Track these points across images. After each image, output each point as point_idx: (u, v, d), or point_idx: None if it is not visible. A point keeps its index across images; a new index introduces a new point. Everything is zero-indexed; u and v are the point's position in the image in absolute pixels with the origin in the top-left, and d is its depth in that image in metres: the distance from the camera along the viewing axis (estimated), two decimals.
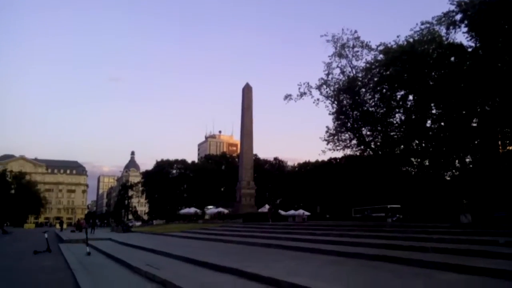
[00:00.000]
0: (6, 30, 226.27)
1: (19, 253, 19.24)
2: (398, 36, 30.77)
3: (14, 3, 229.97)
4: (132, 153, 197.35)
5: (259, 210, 49.74)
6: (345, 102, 34.31)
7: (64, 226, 63.33)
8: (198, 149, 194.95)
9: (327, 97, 34.74)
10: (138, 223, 78.48)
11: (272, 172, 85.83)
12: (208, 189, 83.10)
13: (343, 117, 34.80)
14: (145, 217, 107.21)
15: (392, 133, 35.19)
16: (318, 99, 34.86)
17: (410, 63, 28.48)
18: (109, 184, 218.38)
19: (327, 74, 34.13)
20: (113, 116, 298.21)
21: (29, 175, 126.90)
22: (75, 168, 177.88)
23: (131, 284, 9.28)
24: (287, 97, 34.83)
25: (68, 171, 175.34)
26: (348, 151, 36.14)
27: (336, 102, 34.45)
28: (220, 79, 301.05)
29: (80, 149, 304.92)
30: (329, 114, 35.34)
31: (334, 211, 58.25)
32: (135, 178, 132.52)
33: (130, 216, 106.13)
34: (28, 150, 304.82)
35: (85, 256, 16.40)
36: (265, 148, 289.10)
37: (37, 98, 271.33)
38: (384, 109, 32.69)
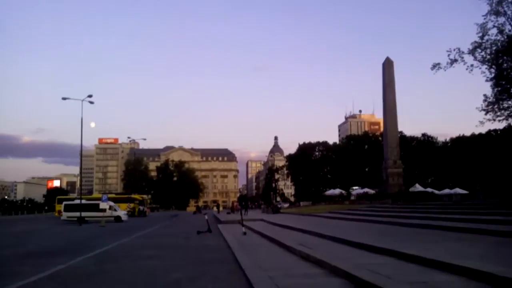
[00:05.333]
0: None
1: (185, 233, 21.45)
2: None
3: None
4: (276, 138, 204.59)
5: (409, 190, 47.12)
6: (505, 65, 30.37)
7: (220, 208, 69.09)
8: (339, 130, 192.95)
9: (482, 62, 31.09)
10: (286, 205, 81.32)
11: (420, 149, 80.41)
12: (351, 169, 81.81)
13: (504, 82, 30.86)
14: (292, 199, 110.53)
15: None
16: (472, 65, 31.38)
17: None
18: (256, 169, 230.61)
19: (482, 36, 30.50)
20: (256, 103, 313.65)
21: (187, 163, 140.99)
22: (226, 155, 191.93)
23: (288, 263, 9.51)
24: (435, 66, 32.06)
25: (220, 158, 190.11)
26: None
27: (494, 67, 30.67)
28: (357, 57, 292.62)
29: (228, 137, 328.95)
30: (486, 80, 31.62)
31: (499, 190, 52.03)
32: (279, 162, 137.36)
33: (278, 198, 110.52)
34: (185, 141, 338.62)
35: (242, 235, 17.49)
36: (411, 124, 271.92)
37: (187, 94, 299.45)
38: None
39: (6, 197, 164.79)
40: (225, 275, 8.67)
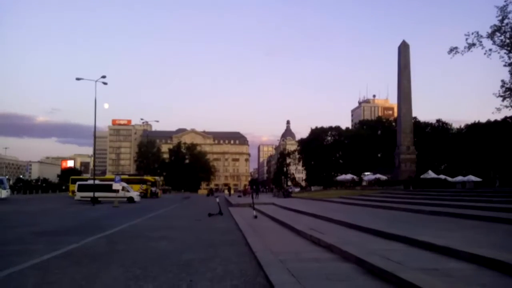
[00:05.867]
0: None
1: (196, 215, 21.62)
2: None
3: None
4: (288, 122, 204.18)
5: (421, 176, 46.74)
6: None
7: (232, 191, 69.53)
8: (352, 115, 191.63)
9: (501, 46, 30.35)
10: (297, 189, 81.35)
11: (434, 136, 79.51)
12: (363, 155, 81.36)
13: None
14: (303, 183, 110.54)
15: None
16: (490, 50, 30.67)
17: None
18: (268, 153, 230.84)
19: (501, 20, 29.71)
20: (269, 87, 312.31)
21: (199, 146, 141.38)
22: (238, 138, 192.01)
23: (299, 247, 9.52)
24: (453, 50, 31.38)
25: (232, 142, 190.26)
26: None
27: None
28: (372, 41, 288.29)
29: (240, 121, 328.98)
30: (504, 65, 30.92)
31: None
32: (291, 146, 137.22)
33: (289, 183, 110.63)
34: (197, 123, 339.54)
35: (253, 219, 17.57)
36: (425, 110, 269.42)
37: (200, 77, 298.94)
38: None
39: (21, 176, 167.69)
40: (236, 257, 8.71)
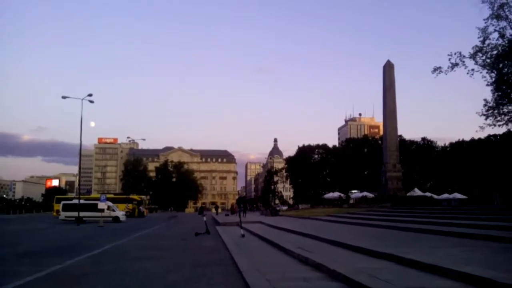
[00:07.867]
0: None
1: (183, 235, 21.38)
2: None
3: None
4: (275, 140, 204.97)
5: (408, 194, 47.11)
6: (506, 69, 30.21)
7: (219, 210, 69.04)
8: (338, 133, 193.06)
9: (483, 66, 30.96)
10: (285, 207, 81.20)
11: (420, 154, 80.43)
12: (351, 173, 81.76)
13: (504, 87, 30.69)
14: (291, 201, 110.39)
15: None
16: (472, 69, 31.24)
17: None
18: (255, 171, 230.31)
19: (483, 41, 30.35)
20: (257, 105, 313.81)
21: (187, 164, 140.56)
22: (225, 156, 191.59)
23: (286, 266, 9.46)
24: (436, 69, 31.85)
25: (219, 160, 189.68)
26: None
27: (495, 71, 30.56)
28: (358, 60, 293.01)
29: (228, 139, 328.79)
30: (487, 85, 31.48)
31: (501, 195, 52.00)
32: (279, 164, 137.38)
33: (277, 201, 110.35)
34: (184, 141, 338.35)
35: (240, 238, 17.43)
36: (410, 128, 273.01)
37: (188, 95, 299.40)
38: None
39: (4, 195, 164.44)
40: (223, 277, 8.62)
